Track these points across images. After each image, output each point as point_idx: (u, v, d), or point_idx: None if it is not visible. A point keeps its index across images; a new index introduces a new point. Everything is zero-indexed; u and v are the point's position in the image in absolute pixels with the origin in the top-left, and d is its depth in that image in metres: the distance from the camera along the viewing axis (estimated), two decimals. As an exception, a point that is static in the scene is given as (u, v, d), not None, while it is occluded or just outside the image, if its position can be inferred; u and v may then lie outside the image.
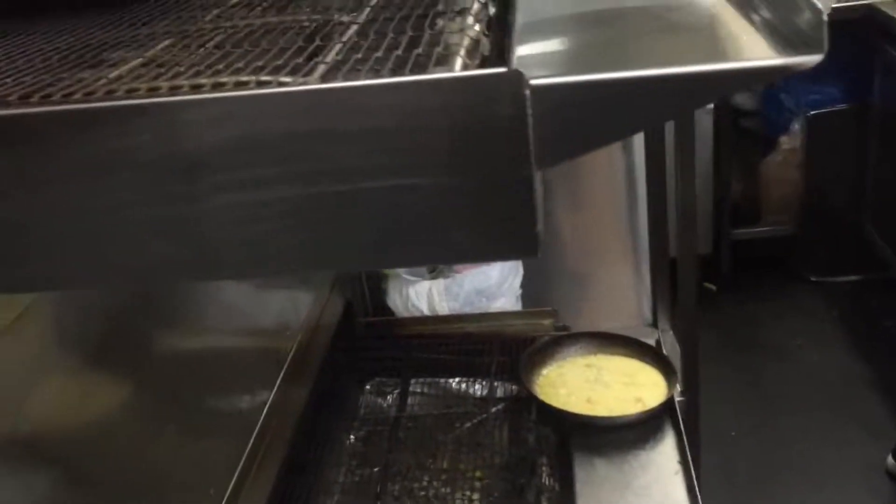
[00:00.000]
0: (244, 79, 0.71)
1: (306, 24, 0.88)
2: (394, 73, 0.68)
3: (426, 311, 2.40)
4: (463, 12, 0.84)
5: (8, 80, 0.75)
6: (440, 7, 0.89)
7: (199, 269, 0.67)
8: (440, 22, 0.81)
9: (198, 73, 0.74)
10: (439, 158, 0.60)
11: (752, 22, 0.70)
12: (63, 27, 1.00)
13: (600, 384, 1.86)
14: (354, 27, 0.87)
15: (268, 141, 0.60)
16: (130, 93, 0.70)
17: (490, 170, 0.60)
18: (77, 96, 0.68)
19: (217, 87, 0.68)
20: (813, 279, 4.08)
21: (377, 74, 0.67)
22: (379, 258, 0.75)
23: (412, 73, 0.66)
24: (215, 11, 1.03)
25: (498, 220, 0.61)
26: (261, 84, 0.70)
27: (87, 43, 0.91)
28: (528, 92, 0.57)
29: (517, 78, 0.57)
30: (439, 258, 0.64)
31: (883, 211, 3.84)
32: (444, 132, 0.59)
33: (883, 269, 3.82)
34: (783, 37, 0.62)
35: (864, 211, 3.98)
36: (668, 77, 0.56)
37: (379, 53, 0.74)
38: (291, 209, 0.60)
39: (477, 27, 0.79)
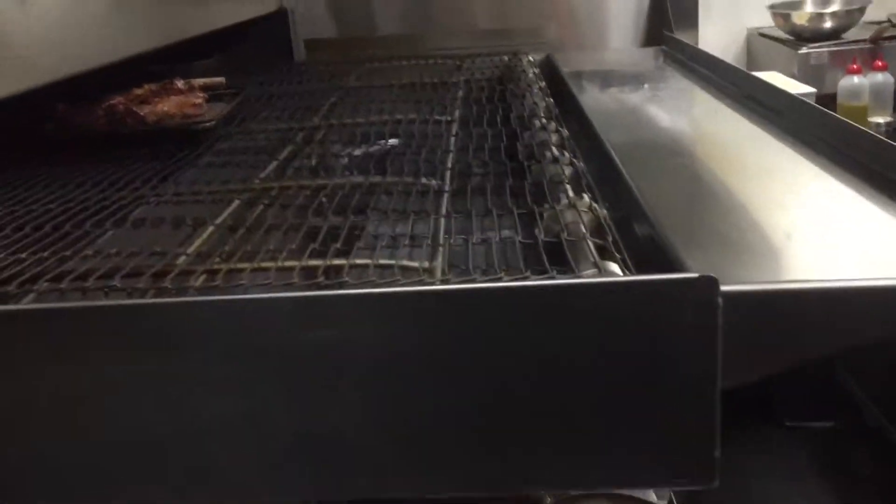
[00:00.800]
0: (361, 262, 0.63)
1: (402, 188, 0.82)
2: (528, 263, 0.62)
3: None
4: (559, 183, 0.79)
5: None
6: (531, 178, 0.84)
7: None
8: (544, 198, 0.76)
9: (290, 254, 0.66)
10: (610, 369, 0.52)
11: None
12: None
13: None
14: (445, 195, 0.81)
15: (420, 344, 0.52)
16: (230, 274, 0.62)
17: (668, 384, 0.52)
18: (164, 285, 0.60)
19: (336, 269, 0.60)
20: (787, 424, 4.03)
21: (505, 270, 0.61)
22: (512, 480, 0.65)
23: (556, 268, 0.60)
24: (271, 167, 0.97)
25: (671, 442, 0.53)
26: (380, 267, 0.62)
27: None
28: (720, 299, 0.50)
29: (709, 284, 0.51)
30: (598, 481, 0.55)
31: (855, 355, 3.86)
32: (617, 341, 0.52)
33: (857, 414, 3.81)
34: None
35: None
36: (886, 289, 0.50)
37: (494, 239, 0.68)
38: (449, 423, 0.52)
39: (586, 198, 0.74)
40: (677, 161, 0.86)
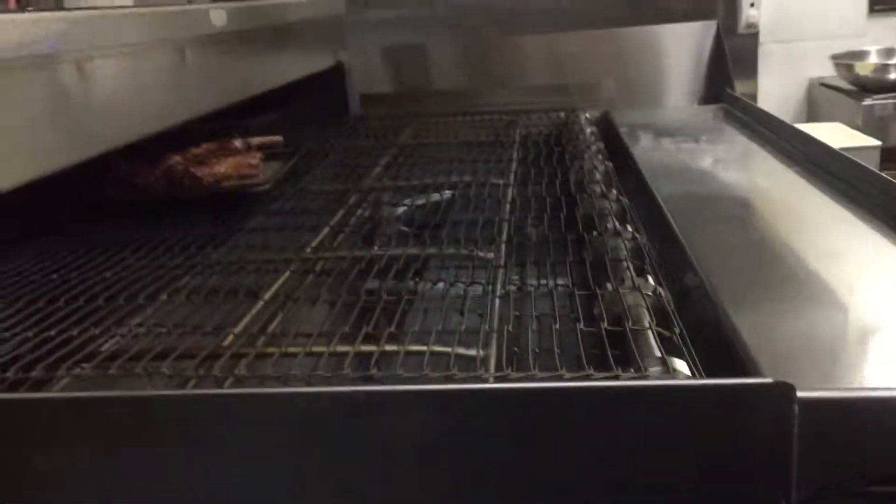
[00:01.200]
0: (415, 349, 0.61)
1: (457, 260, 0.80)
2: (584, 349, 0.59)
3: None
4: (621, 260, 0.76)
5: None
6: (591, 254, 0.81)
7: None
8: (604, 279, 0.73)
9: (343, 339, 0.65)
10: (676, 477, 0.49)
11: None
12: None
13: None
14: (501, 271, 0.79)
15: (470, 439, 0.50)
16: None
17: (738, 495, 0.49)
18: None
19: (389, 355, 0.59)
20: None
21: (569, 360, 0.58)
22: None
23: (618, 362, 0.57)
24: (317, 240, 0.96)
25: (741, 557, 0.49)
26: (435, 354, 0.60)
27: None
28: (796, 407, 0.47)
29: (785, 391, 0.47)
30: None
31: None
32: (684, 448, 0.49)
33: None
34: None
35: None
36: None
37: (553, 323, 0.65)
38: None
39: (650, 280, 0.71)
40: (744, 234, 0.83)
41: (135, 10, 0.88)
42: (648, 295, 0.66)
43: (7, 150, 0.68)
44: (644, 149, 1.22)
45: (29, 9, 0.71)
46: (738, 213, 0.90)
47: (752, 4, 2.64)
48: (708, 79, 2.31)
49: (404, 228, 1.07)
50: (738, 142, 1.25)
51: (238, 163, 1.20)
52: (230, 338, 0.66)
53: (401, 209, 1.14)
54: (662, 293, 0.66)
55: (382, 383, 0.55)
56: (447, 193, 1.12)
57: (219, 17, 1.03)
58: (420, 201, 1.12)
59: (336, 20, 1.70)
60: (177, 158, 1.20)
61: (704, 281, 0.67)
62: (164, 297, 0.78)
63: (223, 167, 1.18)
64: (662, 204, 0.89)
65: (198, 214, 1.07)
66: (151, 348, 0.63)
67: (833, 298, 0.70)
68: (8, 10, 2.92)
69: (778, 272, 0.73)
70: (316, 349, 0.63)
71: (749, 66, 2.60)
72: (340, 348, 0.62)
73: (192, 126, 1.26)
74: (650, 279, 0.70)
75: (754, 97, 2.65)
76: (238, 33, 1.11)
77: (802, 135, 1.10)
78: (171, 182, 1.16)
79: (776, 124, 1.24)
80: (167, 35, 0.93)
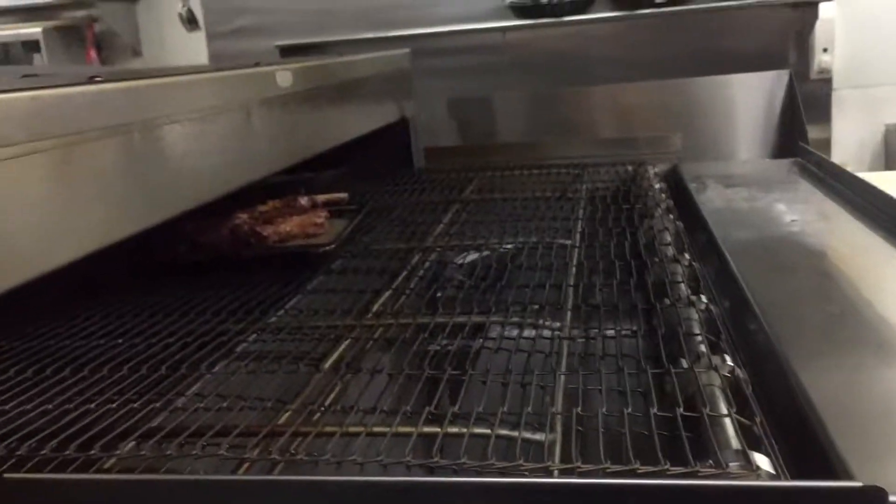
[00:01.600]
0: (479, 431, 0.59)
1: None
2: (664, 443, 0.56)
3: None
4: (695, 335, 0.73)
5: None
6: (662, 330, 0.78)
7: None
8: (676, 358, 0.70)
9: (405, 419, 0.63)
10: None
11: None
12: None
13: None
14: (567, 343, 0.76)
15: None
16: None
17: None
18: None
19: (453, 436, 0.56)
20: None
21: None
22: None
23: (694, 450, 0.53)
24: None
25: None
26: (502, 438, 0.58)
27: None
28: (890, 515, 0.43)
29: (876, 496, 0.44)
30: None
31: None
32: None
33: None
34: None
35: None
36: None
37: (624, 406, 0.62)
38: None
39: (728, 360, 0.68)
40: (825, 305, 0.78)
41: (203, 75, 0.89)
42: (726, 376, 0.63)
43: (81, 219, 0.69)
44: (715, 206, 1.18)
45: (97, 79, 0.72)
46: (817, 282, 0.85)
47: (825, 50, 2.58)
48: (780, 131, 2.25)
49: (466, 280, 1.05)
50: (815, 200, 1.20)
51: (303, 221, 1.20)
52: (288, 414, 0.64)
53: (464, 260, 1.12)
54: (740, 374, 0.63)
55: (445, 473, 0.53)
56: (510, 246, 1.10)
57: (285, 77, 1.04)
58: (485, 253, 1.10)
59: (403, 74, 1.71)
60: (243, 217, 1.21)
61: (785, 364, 0.63)
62: (225, 364, 0.77)
63: (289, 226, 1.18)
64: (738, 274, 0.86)
65: (262, 274, 1.08)
66: (211, 425, 0.62)
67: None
68: (87, 62, 3.02)
69: (863, 349, 0.68)
70: (377, 429, 0.61)
71: (822, 113, 2.53)
72: (403, 429, 0.60)
73: (259, 181, 1.28)
74: (727, 358, 0.66)
75: (828, 144, 2.58)
76: (304, 93, 1.12)
77: (882, 195, 1.05)
78: (237, 240, 1.17)
79: (853, 182, 1.18)
80: (235, 98, 0.94)
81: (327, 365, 0.76)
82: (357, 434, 0.60)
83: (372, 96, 1.49)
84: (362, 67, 1.42)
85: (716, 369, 0.64)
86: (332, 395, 0.72)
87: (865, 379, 0.64)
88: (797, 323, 0.73)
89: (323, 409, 0.66)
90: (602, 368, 0.69)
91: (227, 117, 0.91)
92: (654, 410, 0.60)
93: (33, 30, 3.31)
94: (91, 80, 0.72)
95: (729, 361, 0.65)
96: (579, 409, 0.61)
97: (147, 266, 1.13)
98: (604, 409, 0.60)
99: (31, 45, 3.38)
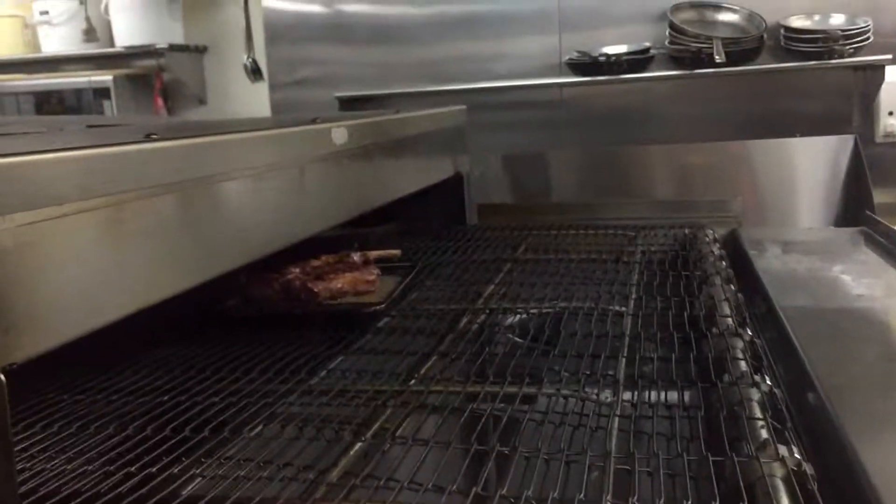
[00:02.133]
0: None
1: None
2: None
3: None
4: (758, 419, 0.69)
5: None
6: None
7: None
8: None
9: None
10: None
11: None
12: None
13: None
14: (617, 420, 0.73)
15: None
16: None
17: None
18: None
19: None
20: None
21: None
22: None
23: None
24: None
25: None
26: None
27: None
28: None
29: None
30: None
31: None
32: None
33: None
34: None
35: None
36: None
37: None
38: None
39: (795, 452, 0.64)
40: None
41: (258, 133, 0.90)
42: (793, 469, 0.59)
43: (130, 277, 0.69)
44: (776, 276, 1.14)
45: (154, 136, 0.73)
46: (887, 367, 0.81)
47: (890, 113, 2.52)
48: (845, 197, 2.19)
49: (520, 342, 1.03)
50: (883, 274, 1.15)
51: (355, 278, 1.20)
52: (321, 489, 0.62)
53: (515, 321, 1.10)
54: (807, 469, 0.59)
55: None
56: (563, 308, 1.08)
57: (340, 135, 1.04)
58: (536, 315, 1.08)
59: (458, 130, 1.71)
60: (295, 272, 1.21)
61: (854, 460, 0.59)
62: (268, 427, 0.76)
63: (340, 283, 1.18)
64: (802, 354, 0.82)
65: (312, 330, 1.07)
66: (250, 497, 0.61)
67: None
68: (155, 110, 3.11)
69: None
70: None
71: (890, 177, 2.46)
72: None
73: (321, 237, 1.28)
74: (794, 450, 0.62)
75: (895, 208, 2.50)
76: (359, 149, 1.12)
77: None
78: (289, 296, 1.17)
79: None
80: (290, 156, 0.95)
81: (370, 433, 0.74)
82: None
83: (427, 152, 1.49)
84: (418, 123, 1.42)
85: (783, 460, 0.60)
86: (373, 466, 0.70)
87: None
88: (865, 411, 0.69)
89: (364, 482, 0.64)
90: (659, 452, 0.66)
91: (281, 174, 0.91)
92: (714, 504, 0.56)
93: (104, 77, 3.43)
94: (147, 137, 0.72)
95: (796, 454, 0.61)
96: (635, 498, 0.58)
97: (198, 318, 1.13)
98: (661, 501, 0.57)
99: (101, 93, 3.51)
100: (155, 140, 0.72)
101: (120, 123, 1.52)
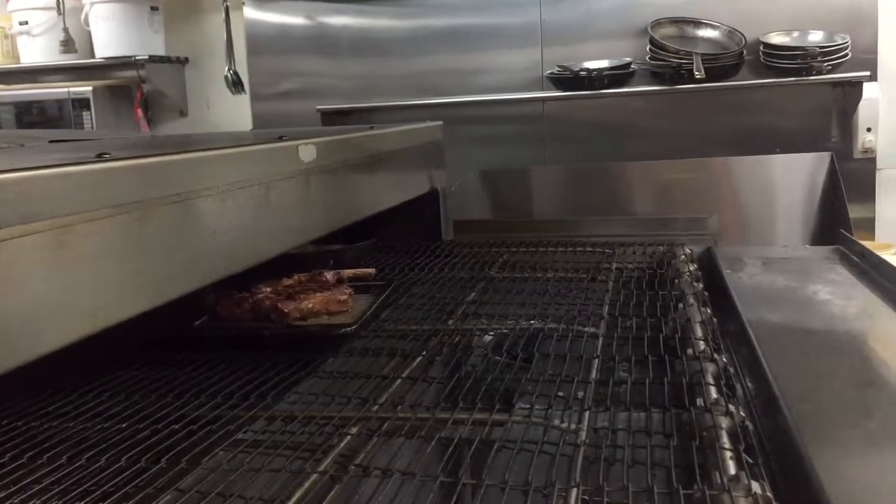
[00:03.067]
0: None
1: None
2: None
3: None
4: (727, 450, 0.68)
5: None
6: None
7: None
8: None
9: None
10: None
11: None
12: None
13: None
14: (582, 450, 0.72)
15: None
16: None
17: None
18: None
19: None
20: None
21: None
22: None
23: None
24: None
25: None
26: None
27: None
28: None
29: None
30: None
31: None
32: None
33: None
34: None
35: None
36: None
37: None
38: None
39: (767, 490, 0.63)
40: (867, 425, 0.73)
41: (220, 151, 0.88)
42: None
43: (76, 302, 0.67)
44: (749, 295, 1.13)
45: (106, 156, 0.71)
46: (857, 392, 0.80)
47: (868, 129, 2.53)
48: (821, 214, 2.19)
49: (493, 360, 1.01)
50: (857, 294, 1.14)
51: (327, 298, 1.18)
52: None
53: (487, 344, 1.09)
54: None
55: None
56: (535, 329, 1.07)
57: (308, 152, 1.03)
58: (508, 336, 1.07)
59: (434, 146, 1.70)
60: (266, 291, 1.19)
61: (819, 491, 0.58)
62: (229, 457, 0.74)
63: (311, 302, 1.16)
64: (775, 386, 0.81)
65: (280, 352, 1.05)
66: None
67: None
68: (135, 121, 3.08)
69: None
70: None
71: (866, 193, 2.47)
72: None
73: (293, 254, 1.26)
74: (765, 486, 0.61)
75: (872, 224, 2.51)
76: (328, 166, 1.11)
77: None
78: (258, 316, 1.15)
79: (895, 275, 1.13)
80: (254, 174, 0.93)
81: (330, 462, 0.73)
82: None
83: (401, 168, 1.48)
84: (392, 139, 1.41)
85: (753, 496, 0.59)
86: (334, 497, 0.68)
87: None
88: (831, 439, 0.68)
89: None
90: (630, 485, 0.64)
91: (244, 193, 0.89)
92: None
93: (84, 88, 3.41)
94: (99, 157, 0.71)
95: (767, 491, 0.60)
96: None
97: (165, 339, 1.11)
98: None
99: (81, 103, 3.48)
100: (106, 160, 0.70)
101: (85, 139, 1.50)
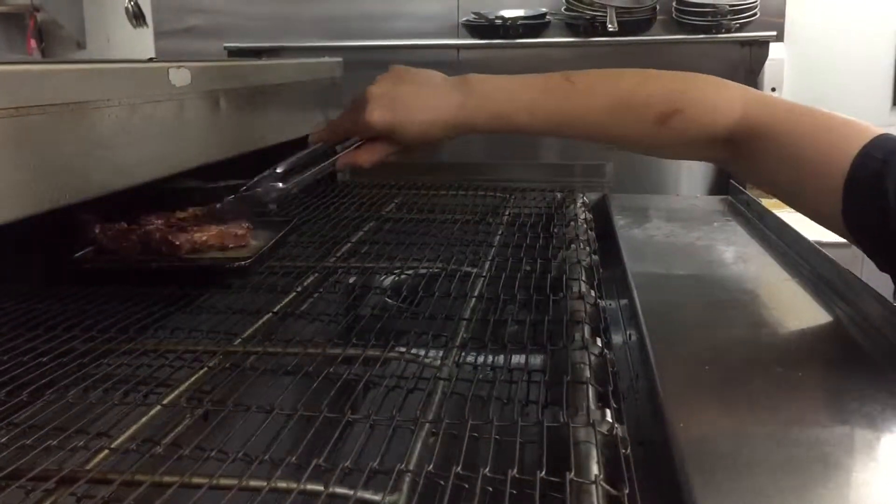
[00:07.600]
0: (340, 490, 0.52)
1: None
2: None
3: None
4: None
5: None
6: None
7: None
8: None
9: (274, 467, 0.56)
10: None
11: None
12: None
13: None
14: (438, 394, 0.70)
15: None
16: None
17: None
18: None
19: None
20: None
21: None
22: None
23: None
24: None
25: None
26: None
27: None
28: None
29: None
30: None
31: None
32: None
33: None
34: None
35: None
36: None
37: None
38: None
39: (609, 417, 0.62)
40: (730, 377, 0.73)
41: (86, 66, 0.81)
42: (603, 433, 0.57)
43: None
44: (635, 243, 1.13)
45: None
46: (721, 338, 0.81)
47: (773, 89, 2.58)
48: (717, 167, 2.23)
49: (387, 301, 0.99)
50: (738, 242, 1.16)
51: (222, 232, 1.10)
52: (103, 453, 0.57)
53: (384, 279, 1.06)
54: (619, 433, 0.57)
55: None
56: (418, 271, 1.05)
57: (181, 76, 0.96)
58: (386, 278, 1.04)
59: (333, 83, 1.65)
60: (157, 223, 1.11)
61: (671, 434, 0.58)
62: (69, 390, 0.70)
63: (205, 235, 1.09)
64: (645, 331, 0.81)
65: (167, 287, 0.99)
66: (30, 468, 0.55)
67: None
68: (27, 51, 2.90)
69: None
70: (224, 482, 0.54)
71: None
72: (281, 484, 0.53)
73: (188, 188, 1.19)
74: (608, 413, 0.60)
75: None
76: (206, 94, 1.04)
77: (797, 235, 1.02)
78: (147, 249, 1.07)
79: (778, 225, 1.15)
80: (116, 94, 0.86)
81: (169, 399, 0.69)
82: (199, 485, 0.53)
83: (295, 104, 1.42)
84: (282, 72, 1.35)
85: (593, 425, 0.58)
86: (183, 432, 0.65)
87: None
88: (685, 381, 0.69)
89: (167, 451, 0.59)
90: (494, 418, 0.63)
91: (101, 114, 0.83)
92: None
93: (-27, 15, 3.19)
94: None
95: (609, 417, 0.59)
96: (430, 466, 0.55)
97: (46, 271, 1.04)
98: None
99: (-30, 31, 3.27)
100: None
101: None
